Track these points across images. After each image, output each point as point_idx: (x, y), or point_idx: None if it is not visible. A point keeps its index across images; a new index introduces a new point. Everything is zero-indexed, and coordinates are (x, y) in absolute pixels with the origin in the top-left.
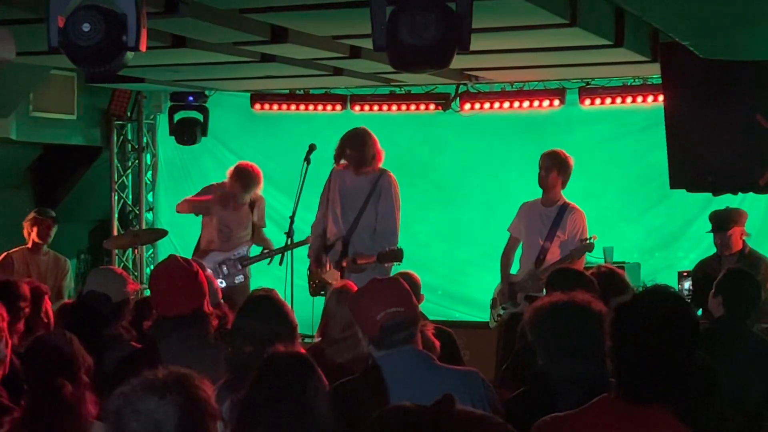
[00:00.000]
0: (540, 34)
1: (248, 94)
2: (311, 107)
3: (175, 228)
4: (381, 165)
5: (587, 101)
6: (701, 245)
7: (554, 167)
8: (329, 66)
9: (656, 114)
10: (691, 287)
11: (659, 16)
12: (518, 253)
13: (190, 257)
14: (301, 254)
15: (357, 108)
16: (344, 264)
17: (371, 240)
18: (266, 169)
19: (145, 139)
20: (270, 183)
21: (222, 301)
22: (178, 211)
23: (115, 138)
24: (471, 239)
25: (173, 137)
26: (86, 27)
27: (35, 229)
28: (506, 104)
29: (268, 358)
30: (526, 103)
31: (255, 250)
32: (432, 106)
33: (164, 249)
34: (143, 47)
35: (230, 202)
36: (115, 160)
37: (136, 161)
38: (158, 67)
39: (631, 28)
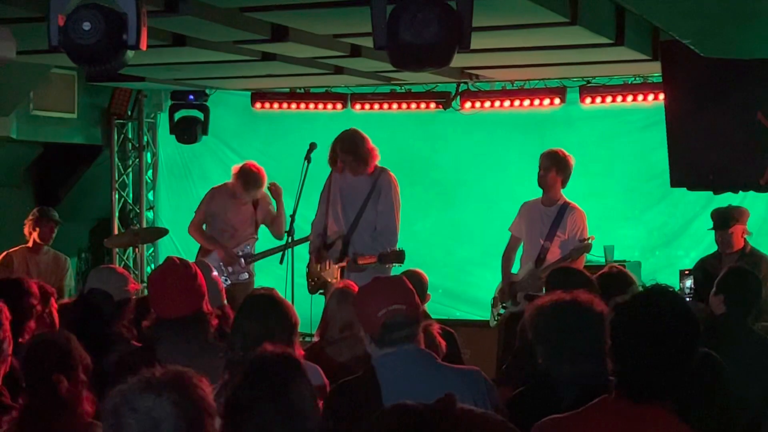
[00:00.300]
0: (541, 33)
1: (249, 93)
2: (312, 106)
3: (175, 227)
4: (377, 162)
5: (588, 100)
6: (702, 244)
7: (553, 166)
8: (330, 65)
9: (657, 112)
10: (692, 285)
11: (660, 15)
12: (519, 252)
13: (188, 255)
14: (302, 253)
15: (357, 107)
16: (345, 263)
17: (371, 239)
18: (267, 168)
19: (145, 138)
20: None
21: (225, 302)
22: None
23: (116, 137)
24: (471, 238)
25: (174, 136)
26: (87, 26)
27: (37, 231)
28: (507, 103)
29: (253, 358)
30: (526, 102)
31: (260, 247)
32: (432, 105)
33: (165, 248)
34: (144, 46)
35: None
36: (116, 159)
37: (137, 160)
38: (159, 66)
39: (631, 27)
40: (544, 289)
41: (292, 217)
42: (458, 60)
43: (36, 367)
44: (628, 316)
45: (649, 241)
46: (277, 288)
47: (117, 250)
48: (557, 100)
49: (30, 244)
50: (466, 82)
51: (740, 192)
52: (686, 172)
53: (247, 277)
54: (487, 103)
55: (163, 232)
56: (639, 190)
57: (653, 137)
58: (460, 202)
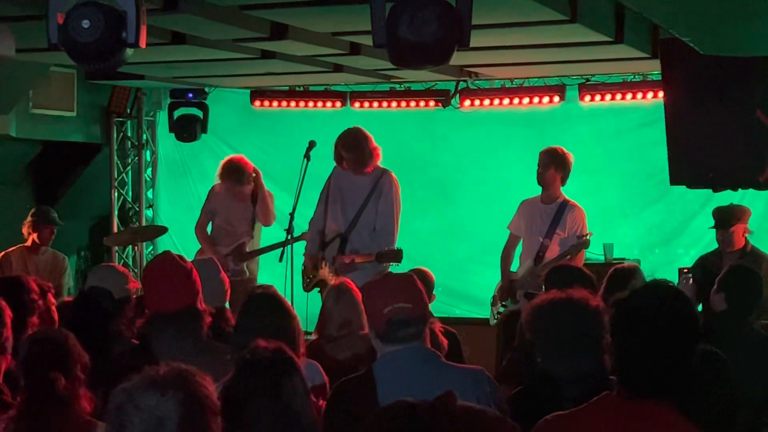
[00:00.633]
0: (540, 31)
1: (248, 91)
2: (311, 104)
3: (174, 225)
4: (380, 162)
5: (587, 98)
6: (702, 242)
7: (551, 164)
8: (329, 63)
9: (656, 110)
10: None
11: (659, 13)
12: (518, 250)
13: (188, 253)
14: (301, 250)
15: (357, 105)
16: (341, 260)
17: (370, 238)
18: (266, 166)
19: (144, 136)
20: (270, 180)
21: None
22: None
23: (115, 135)
24: (471, 236)
25: (173, 134)
26: (86, 24)
27: (36, 234)
28: (506, 101)
29: (246, 354)
30: (526, 100)
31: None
32: (432, 103)
33: (164, 246)
34: (143, 44)
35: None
36: (115, 157)
37: (136, 158)
38: (158, 64)
39: (630, 25)
40: (543, 287)
41: (291, 215)
42: (458, 58)
43: (34, 365)
44: (627, 312)
45: (649, 239)
46: (276, 285)
47: (116, 248)
48: (556, 98)
49: (28, 243)
50: (465, 80)
51: (739, 190)
52: (685, 169)
53: (248, 274)
54: (487, 101)
55: (163, 230)
56: (638, 188)
57: (652, 135)
58: (460, 200)
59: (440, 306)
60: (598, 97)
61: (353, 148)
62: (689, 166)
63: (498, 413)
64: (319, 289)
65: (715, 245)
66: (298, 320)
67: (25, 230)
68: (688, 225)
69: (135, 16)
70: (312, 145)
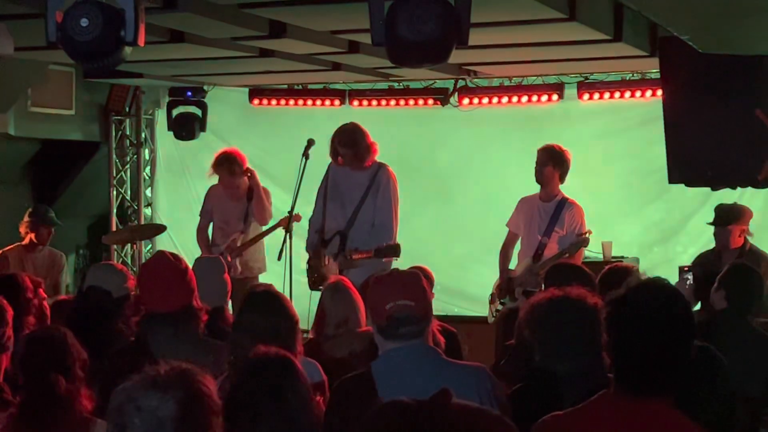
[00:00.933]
0: (539, 29)
1: (247, 90)
2: (310, 102)
3: (173, 223)
4: (377, 157)
5: (586, 96)
6: (700, 240)
7: (549, 162)
8: (328, 61)
9: (655, 109)
10: (691, 281)
11: (657, 11)
12: (517, 248)
13: (186, 252)
14: (300, 249)
15: (355, 103)
16: (344, 258)
17: (369, 234)
18: (265, 165)
19: (143, 135)
20: (269, 178)
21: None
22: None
23: (114, 133)
24: (469, 234)
25: (172, 132)
26: (84, 22)
27: (34, 234)
28: (505, 99)
29: (248, 359)
30: (524, 98)
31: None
32: (430, 101)
33: (163, 244)
34: (141, 42)
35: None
36: (114, 156)
37: (135, 156)
38: (156, 63)
39: (629, 23)
40: (542, 285)
41: (290, 213)
42: (456, 56)
43: (33, 363)
44: (622, 310)
45: (647, 237)
46: (275, 284)
47: (115, 246)
48: (555, 97)
49: (26, 242)
50: (464, 79)
51: (738, 188)
52: (684, 168)
53: (238, 270)
54: (485, 100)
55: (161, 228)
56: (637, 187)
57: (651, 133)
58: (458, 199)
59: (438, 304)
60: (596, 96)
61: (350, 143)
62: (688, 164)
63: (495, 412)
64: (321, 287)
65: (714, 243)
66: (297, 319)
67: (22, 229)
68: (686, 223)
69: (133, 15)
70: (311, 143)
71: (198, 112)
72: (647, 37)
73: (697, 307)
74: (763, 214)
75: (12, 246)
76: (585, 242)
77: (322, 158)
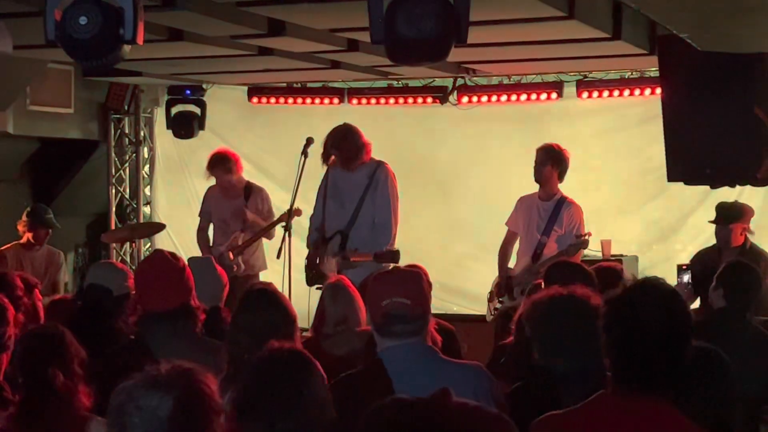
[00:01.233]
0: (538, 27)
1: (245, 88)
2: (309, 101)
3: (172, 222)
4: (372, 156)
5: (585, 94)
6: (699, 238)
7: (548, 161)
8: (326, 59)
9: (654, 107)
10: (690, 279)
11: (656, 9)
12: (516, 246)
13: (185, 250)
14: (299, 247)
15: (354, 101)
16: (343, 258)
17: (370, 233)
18: (264, 163)
19: (142, 133)
20: (267, 176)
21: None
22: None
23: (113, 132)
24: (468, 232)
25: (171, 131)
26: (83, 20)
27: (31, 234)
28: (504, 97)
29: (262, 356)
30: (523, 96)
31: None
32: (429, 100)
33: (162, 243)
34: (140, 41)
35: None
36: (113, 154)
37: (134, 155)
38: (155, 61)
39: (628, 21)
40: (543, 283)
41: (289, 211)
42: (455, 54)
43: (31, 361)
44: (619, 310)
45: (647, 235)
46: (274, 282)
47: (114, 245)
48: (554, 95)
49: (24, 241)
50: (463, 77)
51: (737, 186)
52: (683, 166)
53: (241, 268)
54: (484, 98)
55: (160, 227)
56: (636, 185)
57: (650, 132)
58: (457, 197)
59: (437, 302)
60: (595, 94)
61: (342, 145)
62: (687, 162)
63: (495, 410)
64: (319, 286)
65: (714, 241)
66: (296, 317)
67: (20, 227)
68: (686, 221)
69: (132, 13)
70: (310, 141)
71: (197, 110)
72: (646, 36)
73: (696, 304)
74: (762, 212)
75: (10, 245)
76: (584, 244)
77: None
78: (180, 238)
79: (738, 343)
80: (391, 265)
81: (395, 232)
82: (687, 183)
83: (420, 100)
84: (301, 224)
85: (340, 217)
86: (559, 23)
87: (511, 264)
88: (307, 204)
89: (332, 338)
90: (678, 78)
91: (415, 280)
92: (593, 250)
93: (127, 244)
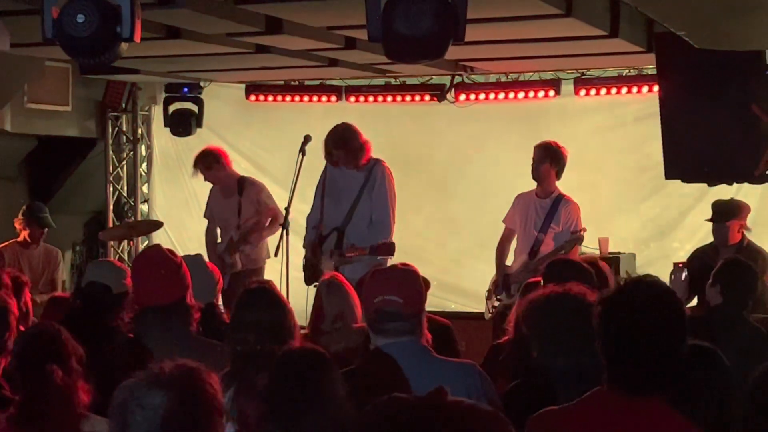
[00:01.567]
0: (535, 25)
1: (243, 86)
2: (306, 98)
3: (170, 219)
4: (371, 155)
5: (582, 92)
6: (697, 236)
7: (546, 158)
8: (324, 57)
9: (651, 104)
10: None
11: (654, 7)
12: (513, 244)
13: (183, 248)
14: (297, 245)
15: (352, 99)
16: (340, 255)
17: (368, 230)
18: (261, 161)
19: (139, 131)
20: (265, 174)
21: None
22: None
23: (110, 129)
24: (466, 230)
25: (168, 129)
26: (80, 18)
27: (26, 232)
28: (501, 95)
29: (282, 356)
30: (521, 94)
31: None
32: (427, 97)
33: (159, 241)
34: (138, 38)
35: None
36: (110, 152)
37: (131, 153)
38: (153, 59)
39: (626, 19)
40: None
41: (287, 209)
42: (453, 52)
43: (29, 362)
44: (612, 309)
45: (644, 233)
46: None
47: (111, 243)
48: (552, 93)
49: (21, 239)
50: (460, 75)
51: (734, 184)
52: (681, 164)
53: (238, 267)
54: (482, 96)
55: (158, 224)
56: (633, 182)
57: (648, 129)
58: (455, 194)
59: (435, 300)
60: (593, 92)
61: (342, 145)
62: (684, 160)
63: (491, 408)
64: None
65: (711, 239)
66: (294, 315)
67: (17, 225)
68: (683, 219)
69: (130, 11)
70: (307, 139)
71: (194, 108)
72: (644, 33)
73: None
74: (759, 209)
75: (7, 243)
76: (580, 240)
77: (318, 154)
78: (178, 236)
79: (735, 341)
80: (388, 258)
81: (393, 228)
82: (684, 180)
83: (418, 97)
84: (299, 222)
85: (336, 215)
86: (556, 21)
87: (509, 261)
88: (304, 202)
89: (328, 335)
90: (675, 76)
91: (410, 279)
92: (591, 248)
93: (125, 242)
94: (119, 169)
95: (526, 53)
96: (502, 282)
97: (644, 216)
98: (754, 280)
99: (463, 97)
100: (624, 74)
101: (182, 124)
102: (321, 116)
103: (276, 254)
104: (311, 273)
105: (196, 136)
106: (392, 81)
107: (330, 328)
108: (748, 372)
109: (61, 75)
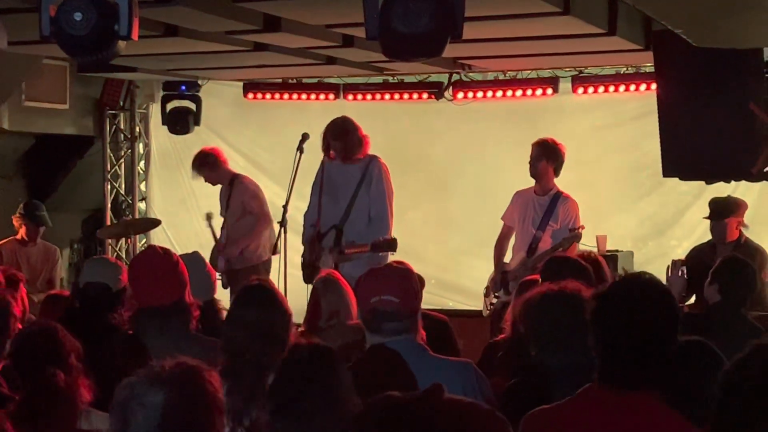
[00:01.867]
0: (533, 23)
1: (241, 84)
2: (304, 96)
3: (168, 217)
4: (369, 150)
5: (580, 90)
6: (695, 233)
7: (543, 156)
8: (322, 55)
9: (649, 102)
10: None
11: (651, 5)
12: (512, 242)
13: (180, 246)
14: (295, 243)
15: (350, 97)
16: (339, 252)
17: (366, 227)
18: (259, 159)
19: (137, 129)
20: (263, 172)
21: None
22: None
23: (108, 127)
24: (464, 228)
25: (166, 127)
26: (78, 16)
27: (24, 229)
28: (499, 93)
29: (290, 353)
30: (519, 92)
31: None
32: (425, 95)
33: (157, 239)
34: (135, 36)
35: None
36: (108, 150)
37: (129, 151)
38: (150, 57)
39: (624, 17)
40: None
41: (285, 208)
42: (450, 50)
43: (28, 361)
44: (605, 305)
45: (642, 230)
46: (270, 277)
47: (109, 241)
48: (549, 90)
49: (19, 237)
50: (458, 73)
51: (732, 182)
52: (679, 161)
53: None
54: (480, 94)
55: (156, 222)
56: (631, 180)
57: (645, 127)
58: (453, 192)
59: (432, 298)
60: (591, 90)
61: (341, 136)
62: (682, 158)
63: (487, 406)
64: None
65: (709, 237)
66: (291, 312)
67: (15, 222)
68: (681, 217)
69: (127, 9)
70: (305, 137)
71: (192, 106)
72: (642, 31)
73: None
74: (757, 207)
75: (5, 240)
76: (578, 237)
77: (316, 152)
78: (175, 234)
79: (733, 338)
80: (389, 254)
81: (391, 225)
82: (682, 178)
83: (416, 95)
84: (297, 220)
85: (334, 213)
86: (554, 19)
87: (507, 258)
88: (302, 200)
89: (324, 332)
90: (673, 74)
91: (406, 278)
92: (589, 246)
93: (123, 239)
94: (117, 167)
95: (523, 51)
96: (501, 279)
97: (642, 214)
98: (753, 278)
99: (461, 95)
100: (622, 72)
101: (180, 122)
102: (319, 114)
103: (274, 252)
104: (309, 271)
105: (194, 134)
106: (390, 79)
107: (326, 325)
108: None
109: (58, 73)
